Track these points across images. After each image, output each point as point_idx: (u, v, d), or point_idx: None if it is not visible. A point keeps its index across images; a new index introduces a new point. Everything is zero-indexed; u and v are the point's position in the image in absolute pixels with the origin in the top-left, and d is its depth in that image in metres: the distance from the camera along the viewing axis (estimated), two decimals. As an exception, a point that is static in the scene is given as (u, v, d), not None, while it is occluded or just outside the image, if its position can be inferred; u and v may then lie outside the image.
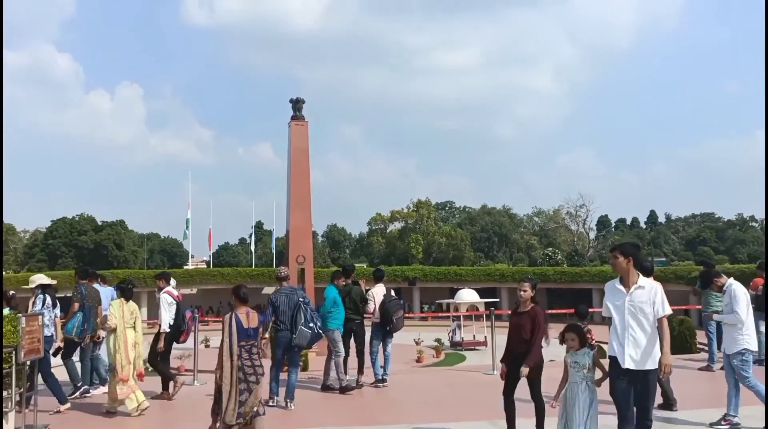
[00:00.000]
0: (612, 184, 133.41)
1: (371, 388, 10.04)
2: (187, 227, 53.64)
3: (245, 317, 6.54)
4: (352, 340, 10.14)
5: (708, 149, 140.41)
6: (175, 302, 9.60)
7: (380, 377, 9.97)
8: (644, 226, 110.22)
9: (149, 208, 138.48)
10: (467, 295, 27.91)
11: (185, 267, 68.29)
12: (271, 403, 8.60)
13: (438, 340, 23.61)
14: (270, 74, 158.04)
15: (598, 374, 5.78)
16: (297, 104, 25.37)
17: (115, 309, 8.49)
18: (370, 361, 10.03)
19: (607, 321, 5.69)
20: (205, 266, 66.42)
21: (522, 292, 6.29)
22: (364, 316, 10.14)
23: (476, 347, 24.74)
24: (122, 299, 8.69)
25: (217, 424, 6.47)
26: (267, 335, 8.81)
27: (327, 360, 9.98)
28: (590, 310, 10.74)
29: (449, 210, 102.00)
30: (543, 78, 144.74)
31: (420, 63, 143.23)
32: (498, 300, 36.32)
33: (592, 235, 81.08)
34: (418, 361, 24.98)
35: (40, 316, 7.29)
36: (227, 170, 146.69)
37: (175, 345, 9.73)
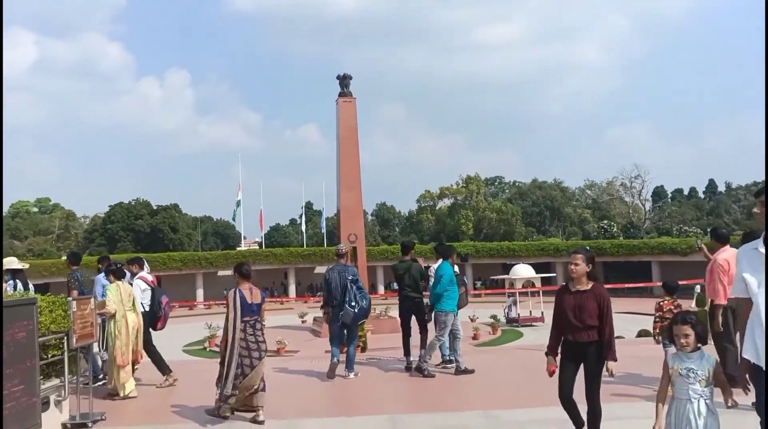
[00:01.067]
0: (667, 156, 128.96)
1: (438, 370, 9.46)
2: (237, 208, 54.37)
3: (249, 293, 6.70)
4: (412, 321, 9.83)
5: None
6: (149, 288, 8.96)
7: (447, 357, 9.39)
8: (702, 196, 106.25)
9: (202, 192, 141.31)
10: (523, 271, 27.37)
11: (238, 248, 69.45)
12: (334, 360, 9.03)
13: (494, 317, 23.23)
14: (313, 56, 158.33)
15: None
16: (344, 81, 25.13)
17: (113, 293, 7.93)
18: (436, 340, 9.45)
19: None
20: (257, 247, 67.43)
21: (574, 266, 5.03)
22: (424, 294, 9.70)
23: (533, 323, 24.28)
24: (117, 282, 8.07)
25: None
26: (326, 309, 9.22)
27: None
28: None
29: (499, 185, 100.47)
30: (590, 50, 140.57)
31: (462, 40, 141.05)
32: (554, 274, 35.55)
33: (648, 206, 78.67)
34: (475, 338, 24.70)
35: (91, 299, 6.95)
36: (275, 153, 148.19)
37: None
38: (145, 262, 9.53)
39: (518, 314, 24.89)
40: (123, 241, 66.91)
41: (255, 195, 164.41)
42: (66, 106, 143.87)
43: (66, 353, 6.08)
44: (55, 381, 6.05)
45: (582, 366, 5.08)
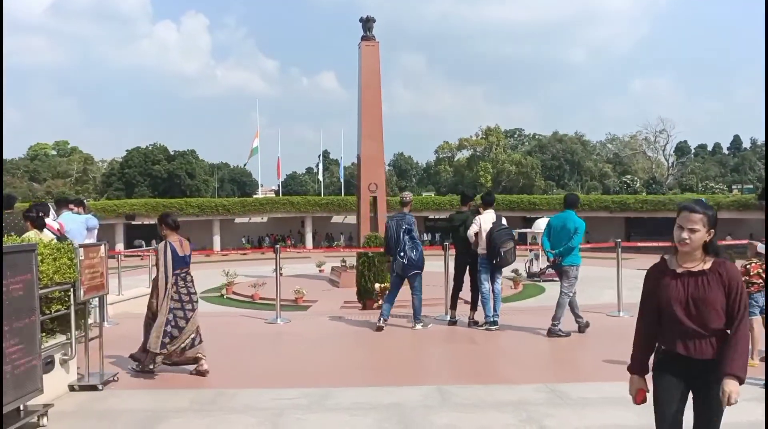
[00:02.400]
0: (691, 110, 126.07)
1: (482, 330, 8.61)
2: (252, 155, 53.78)
3: (179, 245, 6.47)
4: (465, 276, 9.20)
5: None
6: (55, 237, 7.32)
7: (490, 319, 8.56)
8: (727, 152, 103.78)
9: (219, 139, 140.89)
10: (545, 225, 26.69)
11: (254, 196, 69.19)
12: (379, 324, 8.69)
13: (515, 271, 22.72)
14: (331, 2, 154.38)
15: None
16: (367, 23, 24.01)
17: None
18: (481, 299, 8.71)
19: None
20: (274, 195, 67.12)
21: (688, 234, 3.01)
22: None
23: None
24: (35, 230, 6.76)
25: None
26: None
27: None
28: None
29: (518, 137, 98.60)
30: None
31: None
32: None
33: (670, 161, 76.93)
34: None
35: (102, 247, 6.26)
36: (293, 100, 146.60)
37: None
38: (51, 208, 8.40)
39: (540, 269, 24.38)
40: (140, 186, 66.82)
41: (272, 142, 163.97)
42: (85, 48, 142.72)
43: (73, 307, 5.42)
44: (61, 338, 5.46)
45: (692, 394, 3.14)
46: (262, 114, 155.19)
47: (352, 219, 52.48)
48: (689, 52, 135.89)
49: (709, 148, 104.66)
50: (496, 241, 8.26)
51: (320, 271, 30.26)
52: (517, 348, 7.89)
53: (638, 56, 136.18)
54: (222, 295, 25.54)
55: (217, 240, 47.66)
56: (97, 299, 6.87)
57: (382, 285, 12.14)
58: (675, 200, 36.29)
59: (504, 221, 8.59)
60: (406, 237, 8.45)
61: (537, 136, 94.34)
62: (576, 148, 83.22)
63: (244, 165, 56.15)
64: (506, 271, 22.83)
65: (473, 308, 8.97)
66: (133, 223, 45.42)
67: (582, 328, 8.37)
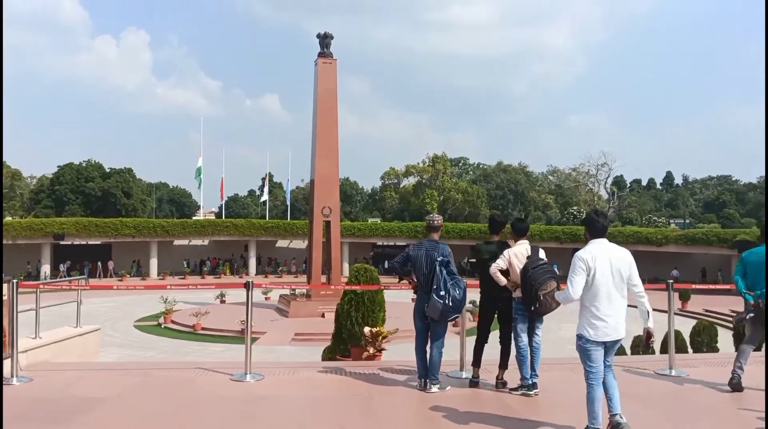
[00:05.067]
0: (626, 146, 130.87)
1: (519, 396, 6.46)
2: (199, 175, 51.82)
3: None
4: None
5: (725, 113, 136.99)
6: None
7: (528, 381, 6.54)
8: (660, 188, 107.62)
9: (158, 157, 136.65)
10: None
11: (194, 217, 66.73)
12: (417, 387, 6.68)
13: (474, 303, 21.87)
14: (276, 25, 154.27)
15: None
16: (325, 40, 23.07)
17: None
18: (517, 356, 6.63)
19: None
20: (215, 217, 64.87)
21: None
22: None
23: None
24: None
25: None
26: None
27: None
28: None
29: (463, 166, 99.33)
30: (560, 35, 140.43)
31: (434, 17, 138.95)
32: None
33: (606, 195, 78.77)
34: (455, 325, 23.33)
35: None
36: (234, 122, 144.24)
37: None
38: None
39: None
40: (72, 204, 63.43)
41: (214, 163, 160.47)
42: (17, 58, 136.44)
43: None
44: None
45: None
46: (203, 134, 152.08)
47: (297, 243, 51.01)
48: (624, 91, 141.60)
49: (644, 183, 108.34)
50: (532, 282, 6.20)
51: (266, 298, 28.77)
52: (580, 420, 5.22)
53: (576, 91, 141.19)
54: (160, 325, 23.78)
55: (154, 263, 45.23)
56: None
57: (376, 329, 9.69)
58: (624, 232, 36.54)
59: (542, 254, 6.52)
60: (445, 271, 6.51)
61: (482, 166, 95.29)
62: (520, 178, 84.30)
63: (198, 186, 53.72)
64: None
65: (502, 366, 6.89)
66: (62, 243, 42.57)
67: (735, 382, 6.60)
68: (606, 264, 4.93)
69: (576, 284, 4.89)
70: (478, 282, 7.05)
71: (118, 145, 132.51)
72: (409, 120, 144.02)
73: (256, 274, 46.88)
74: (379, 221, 61.67)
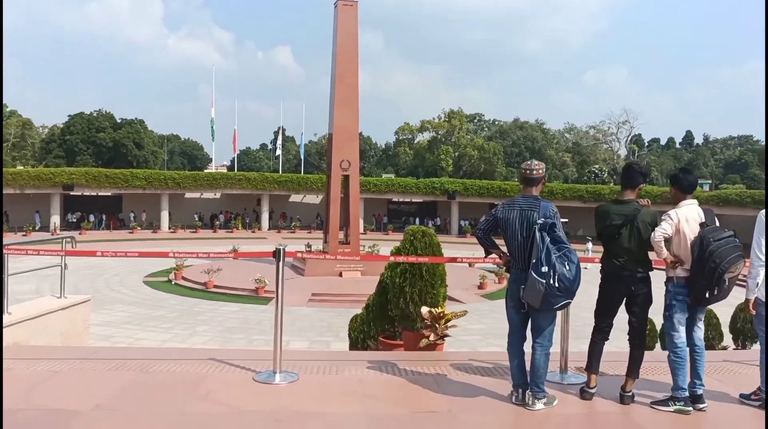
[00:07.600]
0: (644, 104, 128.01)
1: (671, 413, 4.67)
2: (213, 126, 50.86)
3: None
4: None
5: (746, 71, 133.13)
6: None
7: (685, 393, 4.78)
8: (679, 147, 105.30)
9: (169, 110, 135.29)
10: None
11: (207, 170, 65.81)
12: (513, 400, 4.80)
13: (497, 263, 20.92)
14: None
15: None
16: (346, -20, 21.62)
17: None
18: (671, 358, 4.80)
19: None
20: (226, 170, 63.90)
21: None
22: (653, 264, 4.98)
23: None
24: None
25: None
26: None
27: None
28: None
29: (478, 122, 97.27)
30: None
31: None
32: (566, 220, 33.39)
33: (624, 154, 76.91)
34: (480, 287, 22.48)
35: None
36: (247, 74, 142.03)
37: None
38: None
39: None
40: (83, 154, 62.64)
41: (226, 115, 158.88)
42: (29, 7, 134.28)
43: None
44: None
45: None
46: (215, 87, 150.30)
47: (311, 198, 50.03)
48: (643, 47, 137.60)
49: (663, 142, 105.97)
50: (717, 260, 4.57)
51: (281, 254, 27.87)
52: None
53: (593, 48, 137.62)
54: (170, 281, 23.05)
55: (165, 216, 44.49)
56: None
57: (438, 311, 6.83)
58: (652, 193, 35.09)
59: (717, 221, 4.80)
60: (548, 238, 4.54)
61: (497, 122, 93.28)
62: (537, 135, 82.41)
63: (212, 139, 53.02)
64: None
65: (631, 373, 4.94)
66: (72, 193, 41.79)
67: None
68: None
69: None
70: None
71: (129, 96, 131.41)
72: (421, 76, 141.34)
73: (268, 229, 46.11)
74: (393, 177, 60.47)
